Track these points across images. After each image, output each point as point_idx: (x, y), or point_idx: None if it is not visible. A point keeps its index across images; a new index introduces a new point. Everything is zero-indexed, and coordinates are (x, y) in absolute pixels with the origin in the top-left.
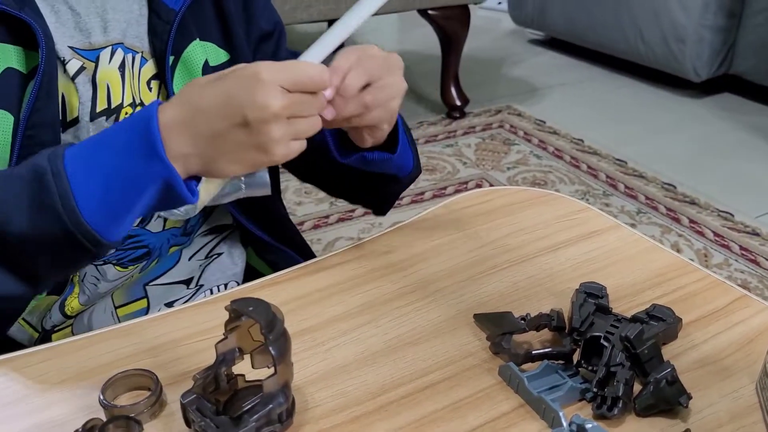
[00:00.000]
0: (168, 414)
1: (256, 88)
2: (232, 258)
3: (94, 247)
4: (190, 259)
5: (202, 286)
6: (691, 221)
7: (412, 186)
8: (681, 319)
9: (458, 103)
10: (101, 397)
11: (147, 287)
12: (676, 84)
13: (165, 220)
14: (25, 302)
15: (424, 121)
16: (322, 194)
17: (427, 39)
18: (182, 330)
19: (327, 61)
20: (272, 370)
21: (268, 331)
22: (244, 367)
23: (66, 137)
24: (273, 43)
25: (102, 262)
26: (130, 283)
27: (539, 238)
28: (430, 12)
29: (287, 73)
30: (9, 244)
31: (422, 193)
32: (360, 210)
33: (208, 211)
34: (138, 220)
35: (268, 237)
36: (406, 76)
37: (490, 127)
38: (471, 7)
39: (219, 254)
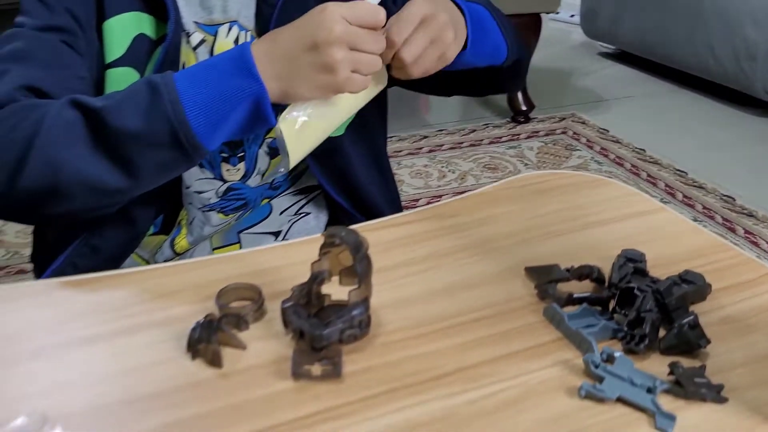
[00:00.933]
0: (267, 320)
1: (323, 16)
2: (318, 220)
3: (191, 148)
4: (281, 213)
5: (288, 240)
6: (747, 232)
7: (473, 181)
8: (710, 285)
9: (524, 108)
10: (216, 301)
11: (241, 234)
12: (745, 102)
13: (261, 176)
14: (119, 198)
15: (490, 124)
16: None
17: None
18: (277, 261)
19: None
20: (356, 286)
21: (355, 252)
22: (330, 290)
23: None
24: None
25: (208, 209)
26: (227, 229)
27: (590, 213)
28: None
29: (348, 8)
30: (121, 141)
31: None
32: (423, 200)
33: (297, 174)
34: (241, 173)
35: (345, 203)
36: None
37: (554, 133)
38: (543, 16)
39: (307, 213)
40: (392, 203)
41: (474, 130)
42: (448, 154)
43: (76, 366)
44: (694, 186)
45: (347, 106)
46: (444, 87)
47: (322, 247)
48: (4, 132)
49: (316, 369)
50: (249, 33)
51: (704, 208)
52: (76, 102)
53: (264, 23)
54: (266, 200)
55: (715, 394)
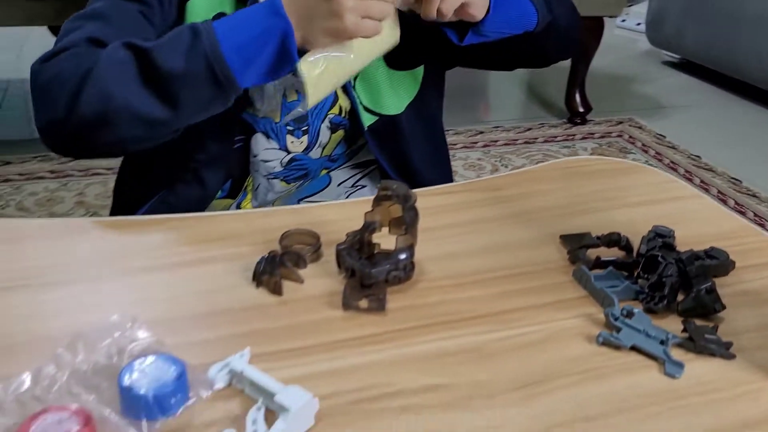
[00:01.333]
0: (323, 262)
1: None
2: (373, 193)
3: (227, 83)
4: (339, 185)
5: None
6: None
7: None
8: (734, 262)
9: (581, 109)
10: (279, 242)
11: (301, 202)
12: None
13: (322, 149)
14: (163, 130)
15: (546, 123)
16: None
17: None
18: (334, 215)
19: None
20: (403, 233)
21: (404, 203)
22: (379, 239)
23: None
24: None
25: (273, 177)
26: (288, 196)
27: (627, 195)
28: None
29: None
30: (165, 77)
31: None
32: None
33: (355, 149)
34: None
35: (399, 179)
36: (534, 80)
37: (609, 135)
38: (610, 23)
39: (362, 186)
40: (445, 181)
41: (530, 129)
42: (502, 150)
43: (160, 284)
44: (748, 194)
45: (364, 54)
46: (492, 60)
47: (376, 199)
48: (68, 68)
49: (363, 303)
50: None
51: (755, 215)
52: (128, 43)
53: None
54: (325, 171)
55: (723, 350)
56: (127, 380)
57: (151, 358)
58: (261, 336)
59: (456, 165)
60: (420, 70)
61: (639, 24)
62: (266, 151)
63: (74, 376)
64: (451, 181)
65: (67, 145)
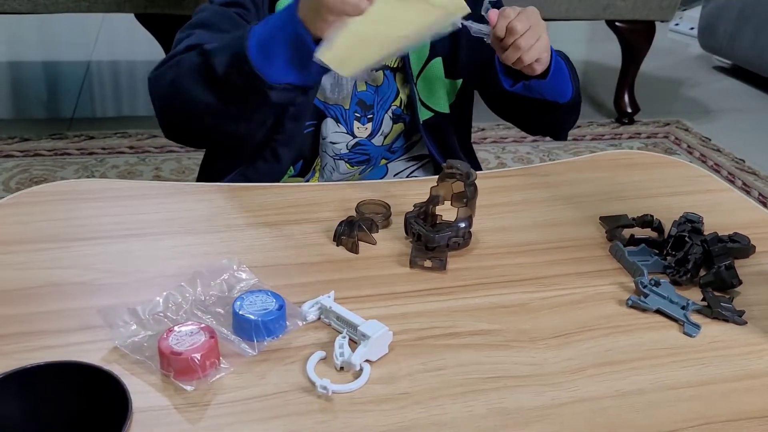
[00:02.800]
0: (392, 228)
1: None
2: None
3: (253, 76)
4: (395, 175)
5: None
6: None
7: None
8: (755, 246)
9: (629, 110)
10: (356, 209)
11: None
12: None
13: (384, 137)
14: (229, 122)
15: (594, 122)
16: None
17: (610, 53)
18: (402, 191)
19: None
20: (464, 205)
21: (465, 179)
22: (442, 212)
23: None
24: None
25: (339, 158)
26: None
27: (663, 186)
28: (617, 24)
29: None
30: (215, 75)
31: None
32: None
33: (411, 143)
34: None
35: None
36: (585, 82)
37: (655, 136)
38: (661, 27)
39: (416, 177)
40: (477, 168)
41: (578, 126)
42: (550, 145)
43: (257, 239)
44: None
45: (401, 20)
46: (515, 111)
47: (440, 176)
48: (166, 76)
49: (428, 262)
50: None
51: None
52: (201, 49)
53: None
54: (384, 161)
55: (736, 316)
56: (239, 308)
57: (257, 293)
58: (342, 283)
59: (506, 158)
60: (459, 81)
61: (692, 28)
62: (335, 134)
63: (195, 303)
64: (479, 167)
65: (173, 134)
